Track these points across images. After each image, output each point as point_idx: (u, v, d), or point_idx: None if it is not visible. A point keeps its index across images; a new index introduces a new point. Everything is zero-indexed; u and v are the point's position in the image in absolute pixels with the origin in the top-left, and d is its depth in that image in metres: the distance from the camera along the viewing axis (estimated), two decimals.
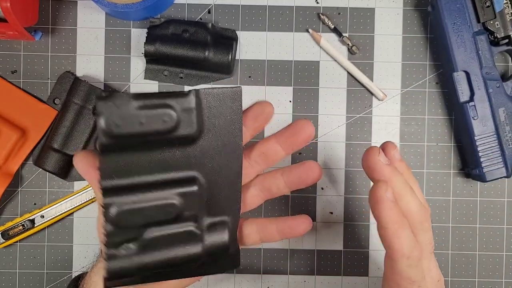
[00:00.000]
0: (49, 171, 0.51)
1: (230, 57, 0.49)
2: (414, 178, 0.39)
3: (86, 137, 0.51)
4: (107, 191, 0.34)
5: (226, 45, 0.50)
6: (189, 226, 0.37)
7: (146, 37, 0.50)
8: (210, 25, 0.50)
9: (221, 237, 0.37)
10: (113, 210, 0.34)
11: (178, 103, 0.34)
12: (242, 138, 0.37)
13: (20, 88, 0.52)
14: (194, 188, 0.36)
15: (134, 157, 0.34)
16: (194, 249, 0.36)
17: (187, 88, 0.52)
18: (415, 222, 0.36)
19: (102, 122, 0.32)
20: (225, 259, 0.39)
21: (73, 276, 0.51)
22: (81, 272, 0.42)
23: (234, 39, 0.51)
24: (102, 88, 0.52)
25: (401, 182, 0.36)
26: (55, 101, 0.51)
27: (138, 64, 0.52)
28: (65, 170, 0.51)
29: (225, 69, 0.50)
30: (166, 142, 0.35)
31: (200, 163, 0.36)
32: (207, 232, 0.37)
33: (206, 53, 0.49)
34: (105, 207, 0.33)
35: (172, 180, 0.36)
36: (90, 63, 0.52)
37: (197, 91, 0.35)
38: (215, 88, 0.35)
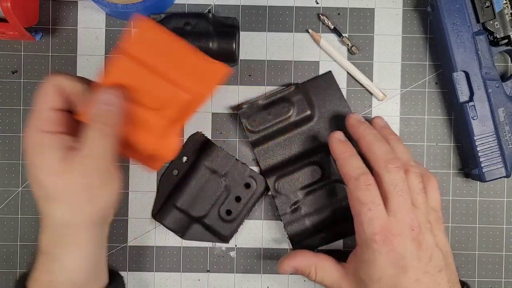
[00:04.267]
0: (167, 227, 0.50)
1: (234, 45, 0.49)
2: (397, 137, 0.47)
3: (212, 202, 0.50)
4: (266, 173, 0.51)
5: (229, 34, 0.50)
6: (336, 183, 0.50)
7: None
8: (210, 15, 0.50)
9: None
10: (272, 182, 0.50)
11: (289, 96, 0.50)
12: (349, 107, 0.51)
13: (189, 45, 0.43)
14: (328, 154, 0.49)
15: (275, 142, 0.51)
16: (347, 201, 0.45)
17: None
18: (379, 162, 0.43)
19: (246, 125, 0.50)
20: None
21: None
22: (24, 272, 0.42)
23: (236, 26, 0.51)
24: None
25: (372, 135, 0.45)
26: (183, 159, 0.52)
27: None
28: (184, 229, 0.51)
29: (230, 58, 0.50)
30: (294, 124, 0.51)
31: (322, 133, 0.51)
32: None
33: (210, 44, 0.49)
34: (269, 183, 0.50)
35: (309, 150, 0.51)
36: (90, 63, 0.52)
37: (297, 84, 0.50)
38: (311, 79, 0.51)
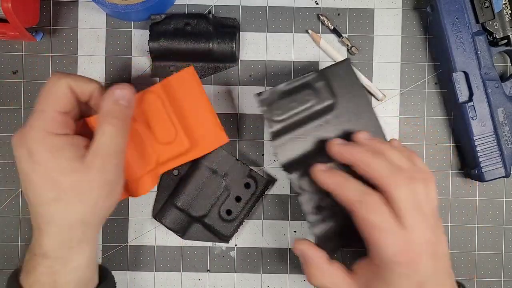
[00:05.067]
0: (167, 227, 0.50)
1: (234, 45, 0.50)
2: (387, 144, 0.43)
3: (212, 202, 0.50)
4: (288, 167, 0.46)
5: (229, 34, 0.50)
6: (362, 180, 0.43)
7: (150, 34, 0.50)
8: (211, 15, 0.51)
9: None
10: (295, 178, 0.45)
11: (312, 82, 0.46)
12: (367, 96, 0.49)
13: (209, 102, 0.48)
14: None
15: (296, 133, 0.46)
16: None
17: None
18: (383, 179, 0.40)
19: (267, 114, 0.45)
20: None
21: None
22: (16, 269, 0.42)
23: (236, 27, 0.51)
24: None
25: (364, 153, 0.41)
26: None
27: (139, 65, 0.52)
28: (184, 229, 0.51)
29: (230, 58, 0.50)
30: (316, 114, 0.46)
31: (342, 124, 0.46)
32: None
33: (210, 45, 0.49)
34: (292, 179, 0.45)
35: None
36: (91, 64, 0.52)
37: (317, 72, 0.46)
38: (330, 66, 0.47)
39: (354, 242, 0.45)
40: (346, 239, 0.46)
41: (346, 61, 0.47)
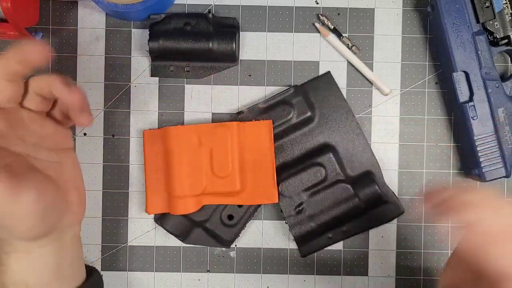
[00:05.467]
0: (169, 231, 0.51)
1: (234, 45, 0.50)
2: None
3: (214, 206, 0.51)
4: None
5: (229, 34, 0.50)
6: (339, 183, 0.50)
7: (149, 34, 0.50)
8: (210, 15, 0.50)
9: (371, 187, 0.50)
10: (278, 186, 0.50)
11: (288, 98, 0.50)
12: (348, 106, 0.51)
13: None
14: (330, 154, 0.50)
15: (277, 145, 0.51)
16: (352, 201, 0.50)
17: (190, 82, 0.52)
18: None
19: None
20: (387, 208, 0.50)
21: None
22: None
23: (236, 26, 0.51)
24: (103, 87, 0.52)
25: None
26: None
27: (138, 65, 0.52)
28: (185, 233, 0.51)
29: (230, 58, 0.50)
30: (296, 126, 0.51)
31: (323, 133, 0.51)
32: (357, 185, 0.50)
33: (210, 44, 0.49)
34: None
35: (311, 151, 0.51)
36: (90, 64, 0.52)
37: (296, 86, 0.51)
38: (310, 80, 0.52)
39: (337, 238, 0.51)
40: (329, 237, 0.50)
41: (327, 74, 0.52)
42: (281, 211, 0.50)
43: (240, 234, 0.51)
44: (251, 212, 0.51)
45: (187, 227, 0.51)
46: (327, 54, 0.52)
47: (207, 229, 0.51)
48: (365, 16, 0.52)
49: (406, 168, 0.52)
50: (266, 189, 0.50)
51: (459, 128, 0.52)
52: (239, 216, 0.51)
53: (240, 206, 0.51)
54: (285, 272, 0.53)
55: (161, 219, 0.51)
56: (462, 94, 0.49)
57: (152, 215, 0.52)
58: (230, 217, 0.51)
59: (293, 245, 0.52)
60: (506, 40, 0.49)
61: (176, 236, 0.51)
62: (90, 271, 0.43)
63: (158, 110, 0.52)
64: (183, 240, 0.51)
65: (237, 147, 0.49)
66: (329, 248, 0.52)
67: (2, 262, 0.37)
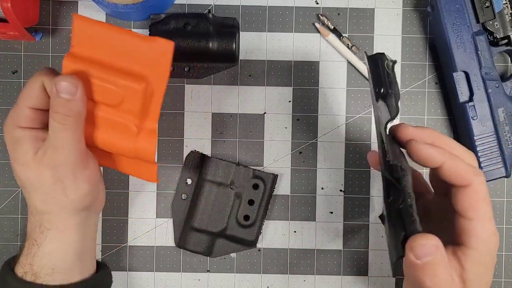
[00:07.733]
0: (192, 251, 0.51)
1: (234, 45, 0.49)
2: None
3: (228, 213, 0.51)
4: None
5: (229, 34, 0.50)
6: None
7: (149, 34, 0.50)
8: (210, 15, 0.50)
9: None
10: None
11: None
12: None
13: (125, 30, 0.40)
14: None
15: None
16: None
17: (189, 82, 0.52)
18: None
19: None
20: None
21: None
22: (14, 255, 0.44)
23: (236, 27, 0.51)
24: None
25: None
26: (187, 181, 0.52)
27: None
28: (209, 248, 0.51)
29: (230, 58, 0.50)
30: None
31: None
32: None
33: (210, 44, 0.49)
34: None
35: None
36: None
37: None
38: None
39: None
40: None
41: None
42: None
43: (261, 231, 0.51)
44: (264, 206, 0.51)
45: (208, 241, 0.51)
46: (327, 54, 0.52)
47: (229, 236, 0.51)
48: (365, 16, 0.52)
49: None
50: (155, 50, 0.39)
51: (459, 128, 0.52)
52: (254, 214, 0.51)
53: (251, 204, 0.50)
54: (285, 272, 0.53)
55: (181, 242, 0.51)
56: (462, 94, 0.49)
57: (153, 216, 0.52)
58: (246, 217, 0.51)
59: (293, 245, 0.52)
60: (506, 40, 0.49)
61: (201, 253, 0.51)
62: (101, 265, 0.47)
63: None
64: (209, 255, 0.51)
65: (92, 65, 0.39)
66: (329, 248, 0.52)
67: (38, 241, 0.41)
